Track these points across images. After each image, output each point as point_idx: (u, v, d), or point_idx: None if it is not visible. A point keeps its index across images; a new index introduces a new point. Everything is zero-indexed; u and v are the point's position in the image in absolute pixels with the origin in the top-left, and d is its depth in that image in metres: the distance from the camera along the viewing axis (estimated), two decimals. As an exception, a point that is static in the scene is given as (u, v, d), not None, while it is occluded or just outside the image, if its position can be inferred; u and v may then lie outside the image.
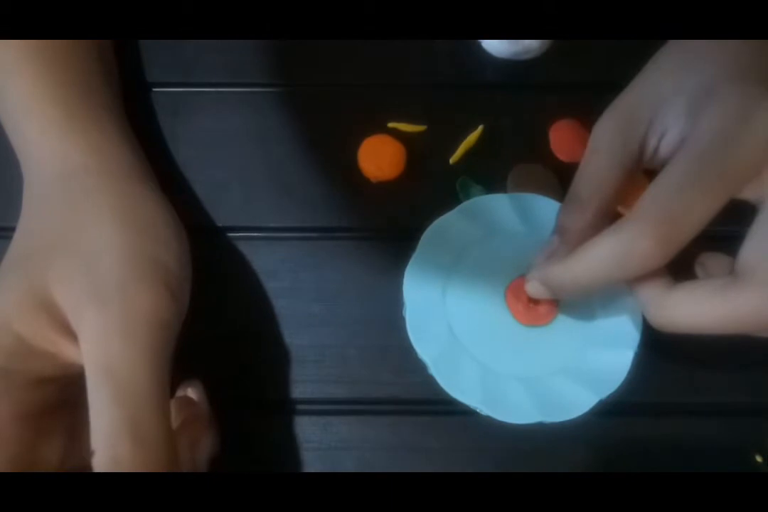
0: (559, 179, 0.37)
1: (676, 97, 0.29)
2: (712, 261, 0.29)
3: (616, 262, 0.27)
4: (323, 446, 0.34)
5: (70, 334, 0.28)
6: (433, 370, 0.31)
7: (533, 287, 0.30)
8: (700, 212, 0.26)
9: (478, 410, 0.31)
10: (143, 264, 0.29)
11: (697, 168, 0.26)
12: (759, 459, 0.33)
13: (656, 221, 0.26)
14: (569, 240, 0.30)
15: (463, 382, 0.31)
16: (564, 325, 0.32)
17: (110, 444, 0.25)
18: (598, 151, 0.30)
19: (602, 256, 0.27)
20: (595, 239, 0.28)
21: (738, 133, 0.27)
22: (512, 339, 0.31)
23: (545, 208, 0.34)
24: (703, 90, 0.28)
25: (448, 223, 0.33)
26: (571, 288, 0.29)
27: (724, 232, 0.27)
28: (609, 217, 0.30)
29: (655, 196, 0.27)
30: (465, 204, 0.33)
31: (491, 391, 0.31)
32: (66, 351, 0.28)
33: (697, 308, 0.27)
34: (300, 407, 0.35)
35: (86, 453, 0.26)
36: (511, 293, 0.32)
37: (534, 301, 0.32)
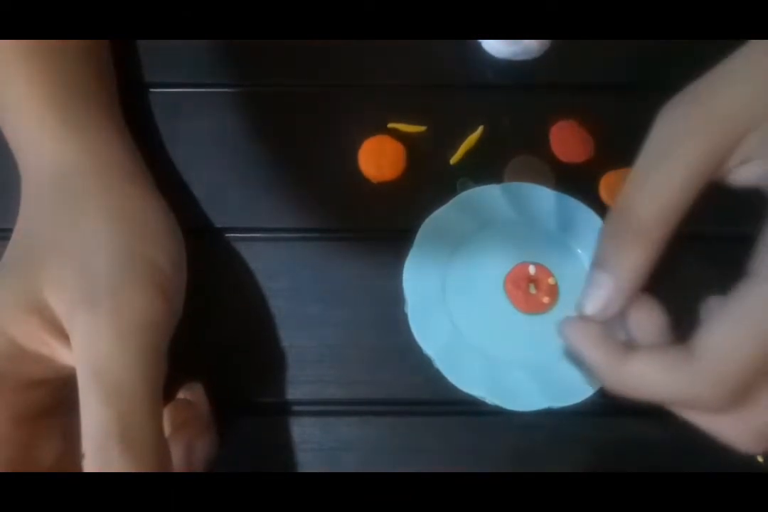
0: (557, 178, 0.37)
1: None
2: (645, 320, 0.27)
3: (675, 400, 0.25)
4: (323, 447, 0.34)
5: (64, 336, 0.28)
6: (438, 364, 0.32)
7: (570, 340, 0.27)
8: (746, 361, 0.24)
9: (485, 400, 0.31)
10: (136, 266, 0.29)
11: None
12: (760, 458, 0.33)
13: (730, 382, 0.24)
14: (625, 284, 0.26)
15: (468, 374, 0.31)
16: (564, 311, 0.32)
17: (100, 446, 0.25)
18: (672, 159, 0.25)
19: (661, 391, 0.25)
20: (660, 361, 0.25)
21: None
22: (514, 327, 0.31)
23: (538, 195, 0.34)
24: None
25: (444, 217, 0.33)
26: (609, 383, 0.26)
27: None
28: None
29: (729, 344, 0.24)
30: (459, 196, 0.34)
31: (497, 380, 0.31)
32: (59, 353, 0.28)
33: (657, 382, 0.25)
34: (299, 408, 0.35)
35: (78, 455, 0.26)
36: (510, 282, 0.32)
37: (534, 289, 0.32)
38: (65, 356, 0.28)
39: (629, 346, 0.26)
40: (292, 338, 0.35)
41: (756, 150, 0.25)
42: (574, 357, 0.28)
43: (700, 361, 0.24)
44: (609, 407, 0.32)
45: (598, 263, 0.26)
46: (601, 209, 0.35)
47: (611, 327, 0.27)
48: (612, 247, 0.26)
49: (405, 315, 0.33)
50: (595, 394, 0.31)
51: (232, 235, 0.37)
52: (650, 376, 0.25)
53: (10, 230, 0.31)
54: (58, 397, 0.30)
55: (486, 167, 0.37)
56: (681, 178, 0.25)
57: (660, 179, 0.25)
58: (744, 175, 0.26)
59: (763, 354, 0.23)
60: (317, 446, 0.34)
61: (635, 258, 0.25)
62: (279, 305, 0.36)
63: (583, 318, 0.27)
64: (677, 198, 0.25)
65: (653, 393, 0.25)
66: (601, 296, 0.26)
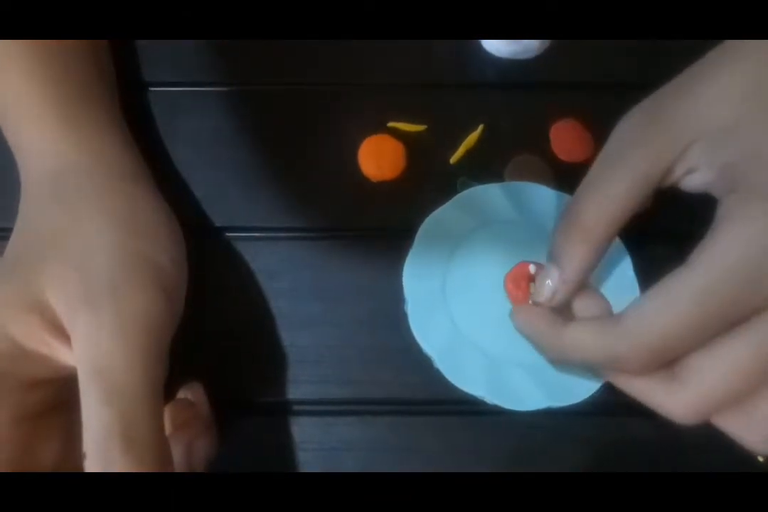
0: (556, 177, 0.37)
1: (730, 139, 0.26)
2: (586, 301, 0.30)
3: (603, 362, 0.27)
4: (323, 447, 0.34)
5: (65, 336, 0.28)
6: (438, 363, 0.32)
7: (517, 322, 0.30)
8: (692, 341, 0.26)
9: (485, 400, 0.31)
10: (137, 265, 0.29)
11: (704, 301, 0.25)
12: (760, 458, 0.33)
13: (649, 344, 0.26)
14: (569, 277, 0.29)
15: (468, 373, 0.31)
16: None
17: (101, 446, 0.25)
18: (617, 168, 0.27)
19: (591, 353, 0.27)
20: (591, 326, 0.27)
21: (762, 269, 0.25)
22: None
23: (537, 194, 0.34)
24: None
25: (443, 216, 0.33)
26: (550, 354, 0.29)
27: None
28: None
29: (655, 312, 0.26)
30: (458, 196, 0.34)
31: (497, 380, 0.31)
32: (60, 353, 0.28)
33: (588, 345, 0.27)
34: (300, 408, 0.35)
35: (80, 455, 0.26)
36: (510, 281, 0.32)
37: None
38: (66, 356, 0.28)
39: (569, 319, 0.29)
40: (292, 338, 0.35)
41: (700, 159, 0.27)
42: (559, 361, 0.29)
43: (625, 325, 0.26)
44: (609, 407, 0.32)
45: (549, 255, 0.29)
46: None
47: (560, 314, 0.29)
48: (561, 243, 0.29)
49: (405, 315, 0.33)
50: (595, 394, 0.31)
51: (232, 234, 0.37)
52: (583, 341, 0.27)
53: (10, 229, 0.31)
54: (60, 397, 0.30)
55: (486, 166, 0.37)
56: (625, 185, 0.27)
57: (606, 185, 0.27)
58: (692, 182, 0.28)
59: (680, 326, 0.25)
60: (317, 446, 0.34)
61: (579, 255, 0.28)
62: (279, 305, 0.36)
63: (533, 305, 0.30)
64: (620, 204, 0.27)
65: (585, 356, 0.27)
66: (549, 286, 0.29)
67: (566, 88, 0.38)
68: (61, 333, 0.28)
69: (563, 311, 0.30)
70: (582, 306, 0.30)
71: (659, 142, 0.27)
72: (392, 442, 0.34)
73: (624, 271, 0.32)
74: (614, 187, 0.27)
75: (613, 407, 0.32)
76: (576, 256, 0.28)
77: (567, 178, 0.36)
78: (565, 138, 0.37)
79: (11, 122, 0.32)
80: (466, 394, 0.32)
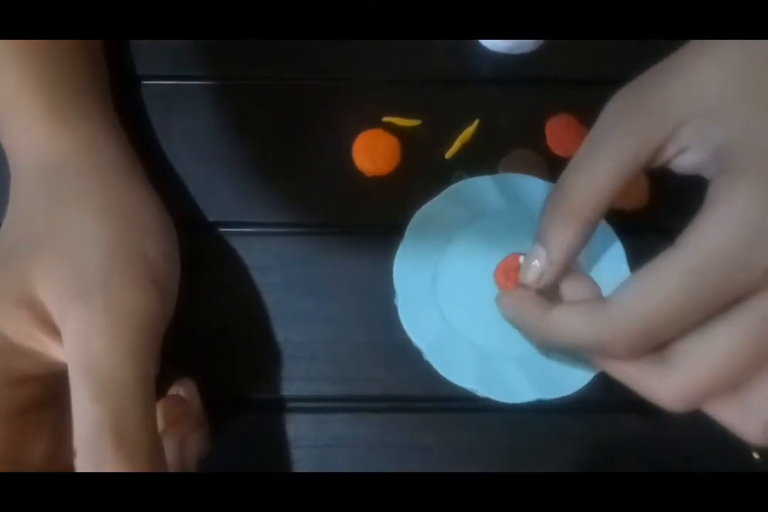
0: (551, 172, 0.36)
1: (722, 122, 0.26)
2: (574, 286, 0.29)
3: (589, 346, 0.27)
4: (316, 443, 0.34)
5: (55, 332, 0.28)
6: (429, 356, 0.31)
7: (503, 306, 0.30)
8: (681, 325, 0.25)
9: (476, 393, 0.31)
10: (129, 260, 0.29)
11: (693, 282, 0.24)
12: (756, 456, 0.33)
13: (636, 327, 0.25)
14: (556, 258, 0.28)
15: (459, 365, 0.31)
16: None
17: (92, 443, 0.25)
18: (603, 149, 0.27)
19: (577, 336, 0.27)
20: (577, 308, 0.27)
21: (752, 250, 0.24)
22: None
23: (530, 186, 0.34)
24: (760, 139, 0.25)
25: (435, 208, 0.33)
26: (536, 338, 0.29)
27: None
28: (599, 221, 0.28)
29: (642, 294, 0.25)
30: (450, 188, 0.34)
31: (487, 372, 0.31)
32: (51, 349, 0.28)
33: (573, 328, 0.27)
34: (293, 404, 0.35)
35: (70, 453, 0.25)
36: (500, 273, 0.32)
37: None
38: (56, 352, 0.28)
39: (555, 303, 0.28)
40: (285, 334, 0.35)
41: (690, 140, 0.27)
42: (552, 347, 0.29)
43: (610, 309, 0.26)
44: (603, 404, 0.32)
45: (536, 236, 0.29)
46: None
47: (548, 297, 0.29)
48: (547, 224, 0.28)
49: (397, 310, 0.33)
50: (588, 391, 0.31)
51: (225, 229, 0.37)
52: (568, 323, 0.27)
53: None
54: (49, 394, 0.29)
55: (481, 161, 0.37)
56: (609, 165, 0.27)
57: (590, 165, 0.27)
58: (682, 163, 0.28)
59: (668, 308, 0.25)
60: (311, 442, 0.34)
61: (565, 236, 0.28)
62: (272, 300, 0.36)
63: (520, 288, 0.30)
64: (604, 183, 0.27)
65: (571, 340, 0.27)
66: (535, 267, 0.29)
67: (562, 83, 0.38)
68: (51, 329, 0.28)
69: (552, 297, 0.29)
70: (570, 289, 0.29)
71: (646, 123, 0.27)
72: (386, 439, 0.34)
73: (615, 256, 0.32)
74: (600, 168, 0.27)
75: (606, 404, 0.32)
76: (563, 236, 0.28)
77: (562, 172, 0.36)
78: (560, 133, 0.37)
79: (5, 122, 0.32)
80: (460, 391, 0.32)
